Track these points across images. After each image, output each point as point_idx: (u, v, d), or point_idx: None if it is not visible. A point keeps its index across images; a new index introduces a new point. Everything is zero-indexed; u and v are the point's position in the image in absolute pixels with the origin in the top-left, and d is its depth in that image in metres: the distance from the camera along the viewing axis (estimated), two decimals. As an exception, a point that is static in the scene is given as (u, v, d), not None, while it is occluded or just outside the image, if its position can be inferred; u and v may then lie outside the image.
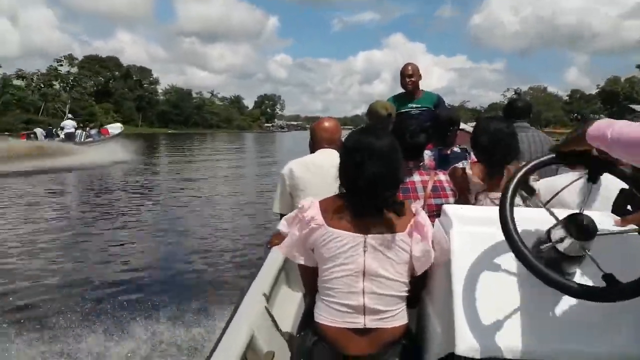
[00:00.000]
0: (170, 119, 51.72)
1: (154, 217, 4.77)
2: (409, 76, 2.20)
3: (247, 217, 4.76)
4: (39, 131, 13.48)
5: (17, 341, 1.90)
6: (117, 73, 48.59)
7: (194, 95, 60.28)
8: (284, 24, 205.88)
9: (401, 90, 2.29)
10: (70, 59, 42.71)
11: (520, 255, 0.70)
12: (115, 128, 15.38)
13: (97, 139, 13.62)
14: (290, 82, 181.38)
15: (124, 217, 4.69)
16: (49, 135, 12.91)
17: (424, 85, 2.33)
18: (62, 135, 12.84)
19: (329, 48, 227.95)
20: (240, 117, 66.33)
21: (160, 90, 57.07)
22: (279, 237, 1.23)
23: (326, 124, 1.56)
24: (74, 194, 6.38)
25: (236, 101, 75.69)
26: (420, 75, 2.26)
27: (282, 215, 1.52)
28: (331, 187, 1.00)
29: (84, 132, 13.72)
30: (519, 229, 0.71)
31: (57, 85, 41.21)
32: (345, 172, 0.95)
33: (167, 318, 2.29)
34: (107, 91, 47.12)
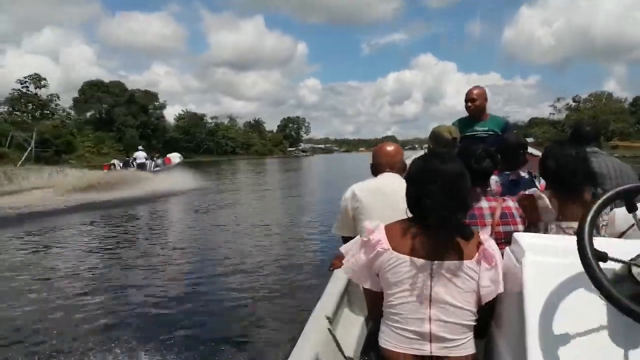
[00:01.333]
0: (180, 146, 50.20)
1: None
2: (471, 100, 2.44)
3: (307, 240, 5.59)
4: (116, 162, 17.72)
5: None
6: (121, 99, 47.98)
7: (209, 120, 61.97)
8: (313, 49, 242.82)
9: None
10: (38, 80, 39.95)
11: (604, 291, 0.73)
12: (175, 157, 20.15)
13: (162, 168, 17.40)
14: (320, 106, 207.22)
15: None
16: (125, 165, 16.61)
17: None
18: (134, 166, 16.40)
19: (358, 71, 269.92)
20: (260, 141, 67.88)
21: (174, 117, 59.07)
22: (341, 259, 1.34)
23: (388, 148, 1.73)
24: (185, 216, 8.44)
25: (256, 125, 77.74)
26: (486, 98, 2.47)
27: (345, 239, 1.65)
28: (394, 211, 1.12)
29: (153, 162, 17.68)
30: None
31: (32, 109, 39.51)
32: (412, 196, 1.06)
33: (235, 344, 2.56)
34: (111, 119, 46.77)
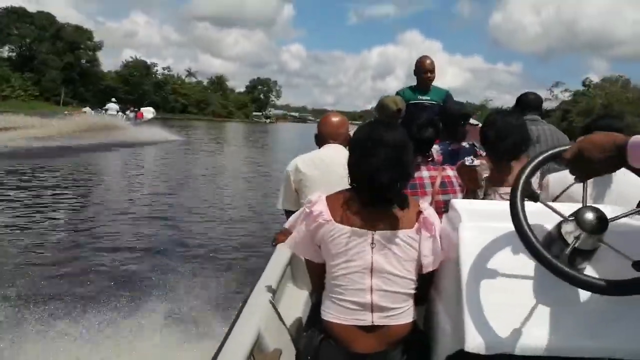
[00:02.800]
0: (117, 96, 47.86)
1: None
2: (430, 71, 2.80)
3: (250, 214, 6.29)
4: (88, 110, 21.38)
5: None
6: (46, 34, 44.46)
7: (161, 70, 59.99)
8: (300, 13, 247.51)
9: (412, 83, 2.90)
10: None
11: (535, 253, 0.85)
12: (148, 112, 23.92)
13: (134, 122, 20.44)
14: (302, 73, 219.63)
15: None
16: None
17: (440, 83, 2.94)
18: (106, 116, 19.43)
19: (343, 41, 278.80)
20: (220, 102, 64.95)
21: (122, 62, 56.10)
22: (284, 234, 1.50)
23: (332, 119, 1.91)
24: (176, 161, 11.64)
25: (218, 83, 74.37)
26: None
27: (287, 212, 1.82)
28: (337, 183, 1.24)
29: (125, 115, 21.27)
30: (531, 223, 0.86)
31: None
32: (354, 165, 1.18)
33: (167, 315, 2.85)
34: (32, 57, 43.59)
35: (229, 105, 69.58)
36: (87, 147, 12.31)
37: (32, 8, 53.62)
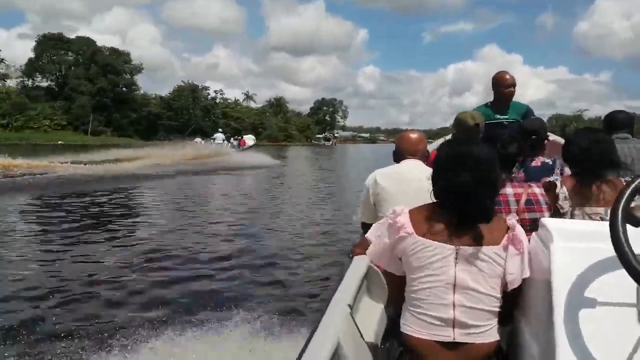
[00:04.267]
0: (159, 124, 51.13)
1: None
2: (511, 86, 2.99)
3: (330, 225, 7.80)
4: (199, 140, 30.08)
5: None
6: (80, 59, 47.11)
7: (212, 93, 63.84)
8: (373, 36, 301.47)
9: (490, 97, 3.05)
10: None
11: (632, 273, 0.92)
12: (249, 140, 32.16)
13: (237, 149, 27.64)
14: (377, 95, 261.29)
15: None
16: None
17: (521, 96, 3.49)
18: (213, 145, 26.76)
19: (418, 60, 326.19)
20: (277, 124, 69.63)
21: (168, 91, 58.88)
22: (361, 247, 1.71)
23: (411, 135, 2.21)
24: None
25: (277, 105, 79.11)
26: None
27: (364, 225, 2.08)
28: (414, 198, 1.43)
29: (230, 144, 29.26)
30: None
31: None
32: (440, 180, 1.33)
33: (252, 330, 3.52)
34: (65, 84, 46.59)
35: (289, 128, 73.27)
36: (199, 171, 17.47)
37: (121, 47, 59.83)
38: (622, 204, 1.01)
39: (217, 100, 67.92)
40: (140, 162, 18.43)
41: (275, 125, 70.17)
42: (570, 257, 1.13)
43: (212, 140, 30.39)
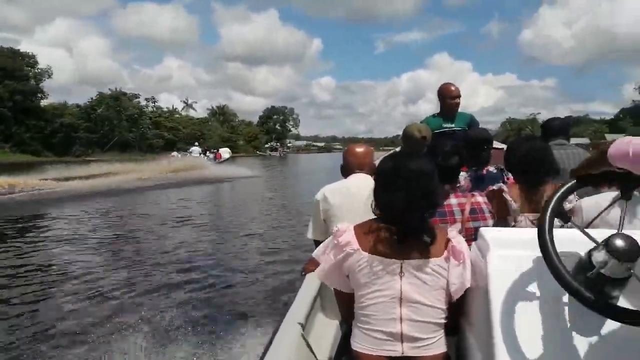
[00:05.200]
0: (78, 138, 47.67)
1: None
2: (458, 97, 3.45)
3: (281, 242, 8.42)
4: (175, 154, 34.58)
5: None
6: None
7: (142, 102, 61.46)
8: (327, 46, 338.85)
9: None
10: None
11: (562, 281, 1.06)
12: (225, 153, 35.55)
13: (214, 162, 30.05)
14: (333, 104, 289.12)
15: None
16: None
17: (472, 103, 3.97)
18: (190, 158, 30.10)
19: (372, 69, 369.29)
20: (219, 134, 68.89)
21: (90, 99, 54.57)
22: (314, 264, 1.83)
23: (357, 149, 2.38)
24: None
25: (220, 113, 79.27)
26: None
27: (316, 242, 2.20)
28: (364, 212, 1.55)
29: (206, 157, 32.99)
30: (558, 252, 1.08)
31: None
32: (380, 195, 1.46)
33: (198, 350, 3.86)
34: None
35: (234, 138, 72.47)
36: (177, 184, 19.88)
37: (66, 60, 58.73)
38: (549, 210, 1.16)
39: (149, 109, 65.79)
40: (121, 177, 20.30)
41: (218, 136, 69.18)
42: (505, 264, 1.28)
43: (189, 154, 34.54)
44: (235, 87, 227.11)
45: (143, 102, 63.65)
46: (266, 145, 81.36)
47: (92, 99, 58.47)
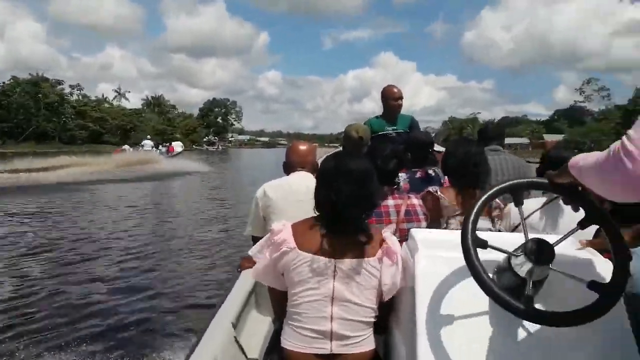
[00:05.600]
0: None
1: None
2: (400, 98, 3.66)
3: (220, 239, 8.71)
4: (126, 147, 35.24)
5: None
6: None
7: (66, 89, 59.36)
8: (274, 40, 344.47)
9: (405, 106, 3.63)
10: None
11: (480, 282, 1.14)
12: (177, 146, 37.30)
13: (166, 156, 31.31)
14: (280, 99, 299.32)
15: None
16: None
17: (414, 103, 4.17)
18: (142, 152, 30.27)
19: (319, 65, 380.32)
20: (155, 127, 65.16)
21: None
22: (250, 261, 1.86)
23: (300, 147, 2.45)
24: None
25: (156, 104, 76.73)
26: None
27: (254, 238, 2.26)
28: (304, 210, 1.60)
29: (158, 150, 33.43)
30: (483, 254, 1.16)
31: None
32: (320, 195, 1.52)
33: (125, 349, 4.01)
34: None
35: (169, 131, 69.78)
36: (131, 179, 20.00)
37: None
38: (472, 213, 1.24)
39: (74, 98, 62.79)
40: (71, 170, 20.97)
41: (151, 128, 65.85)
42: (432, 265, 1.36)
43: (140, 147, 35.34)
44: (181, 79, 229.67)
45: (67, 90, 60.26)
46: (204, 139, 79.17)
47: (3, 83, 55.07)
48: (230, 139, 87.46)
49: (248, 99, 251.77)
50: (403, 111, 3.77)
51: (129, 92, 78.90)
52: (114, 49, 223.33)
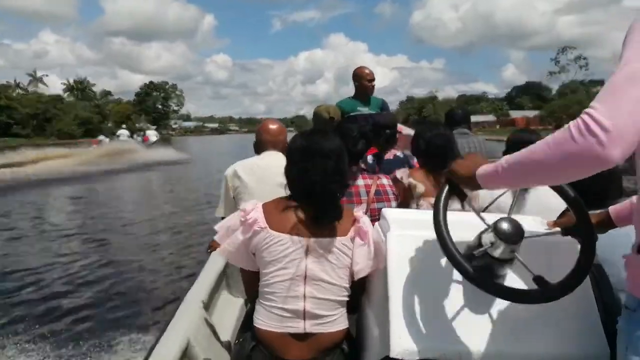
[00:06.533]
0: None
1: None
2: (373, 79, 3.99)
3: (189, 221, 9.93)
4: (103, 137, 38.81)
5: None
6: None
7: None
8: (221, 23, 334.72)
9: (348, 92, 3.94)
10: None
11: (452, 260, 1.24)
12: (152, 136, 41.36)
13: (143, 145, 33.55)
14: (230, 84, 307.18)
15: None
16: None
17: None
18: (118, 142, 33.49)
19: (269, 48, 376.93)
20: (78, 115, 61.55)
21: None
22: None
23: (271, 126, 2.55)
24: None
25: (80, 89, 73.77)
26: None
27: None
28: (275, 190, 1.71)
29: (134, 140, 36.51)
30: (454, 234, 1.25)
31: None
32: (292, 174, 1.62)
33: (97, 332, 4.65)
34: None
35: (96, 119, 66.10)
36: (112, 170, 21.49)
37: None
38: (443, 194, 1.35)
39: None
40: (60, 161, 22.68)
41: (74, 116, 62.50)
42: (403, 244, 1.47)
43: (117, 137, 38.93)
44: (123, 65, 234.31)
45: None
46: (139, 126, 76.32)
47: None
48: (173, 126, 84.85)
49: (196, 84, 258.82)
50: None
51: (47, 75, 74.60)
52: (48, 35, 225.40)
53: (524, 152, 1.08)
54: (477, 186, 1.27)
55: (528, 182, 1.24)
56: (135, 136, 40.62)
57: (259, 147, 2.61)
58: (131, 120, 73.30)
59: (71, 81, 75.70)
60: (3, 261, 7.40)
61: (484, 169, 1.22)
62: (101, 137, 40.15)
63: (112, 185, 17.79)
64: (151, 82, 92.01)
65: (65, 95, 71.32)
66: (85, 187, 16.81)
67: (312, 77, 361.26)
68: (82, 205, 13.33)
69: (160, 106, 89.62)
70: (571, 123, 0.95)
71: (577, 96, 57.65)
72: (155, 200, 14.46)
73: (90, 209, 12.68)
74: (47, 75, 74.26)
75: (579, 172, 0.99)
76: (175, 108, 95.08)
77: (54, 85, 77.17)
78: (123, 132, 41.01)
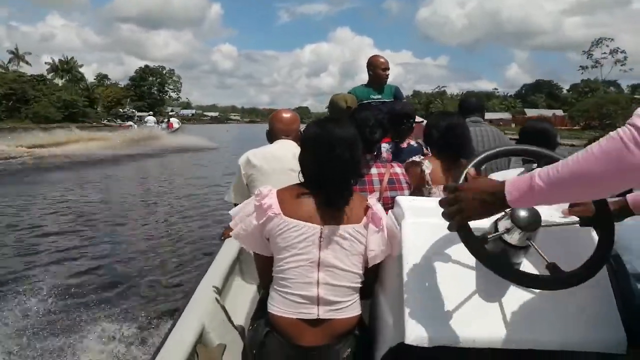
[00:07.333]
0: None
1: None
2: (388, 68, 4.24)
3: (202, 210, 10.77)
4: (132, 123, 47.18)
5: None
6: None
7: None
8: (228, 12, 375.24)
9: (352, 86, 4.15)
10: None
11: (469, 245, 1.31)
12: (175, 123, 46.31)
13: (167, 131, 39.57)
14: (236, 73, 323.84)
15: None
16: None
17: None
18: (146, 128, 38.45)
19: (276, 39, 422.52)
20: (60, 97, 60.22)
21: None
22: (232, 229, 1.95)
23: (284, 115, 2.71)
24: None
25: (65, 70, 72.19)
26: None
27: (236, 205, 2.34)
28: (288, 178, 1.83)
29: (159, 126, 42.71)
30: (470, 222, 1.26)
31: None
32: (306, 162, 1.72)
33: (115, 316, 4.89)
34: None
35: (80, 103, 65.05)
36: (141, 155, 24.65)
37: None
38: (462, 176, 1.43)
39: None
40: (93, 144, 26.80)
41: (56, 99, 60.99)
42: (418, 231, 1.55)
43: (145, 123, 44.60)
44: (130, 51, 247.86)
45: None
46: (140, 114, 76.36)
47: None
48: (170, 113, 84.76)
49: (202, 72, 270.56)
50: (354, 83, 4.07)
51: (30, 54, 73.51)
52: (55, 18, 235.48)
53: (561, 165, 1.06)
54: (501, 207, 1.25)
55: (571, 195, 1.18)
56: (161, 123, 45.65)
57: (272, 136, 2.76)
58: (121, 105, 72.64)
59: (56, 60, 74.04)
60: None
61: (514, 186, 1.17)
62: (130, 123, 47.98)
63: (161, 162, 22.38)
64: (146, 66, 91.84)
65: (50, 76, 70.03)
66: (136, 164, 21.88)
67: (317, 70, 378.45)
68: (138, 181, 16.92)
69: (155, 92, 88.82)
70: (620, 132, 0.96)
71: (611, 95, 56.80)
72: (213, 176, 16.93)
73: (149, 182, 16.38)
74: (29, 53, 74.22)
75: (633, 183, 1.00)
76: (173, 94, 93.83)
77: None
78: (150, 119, 47.46)
